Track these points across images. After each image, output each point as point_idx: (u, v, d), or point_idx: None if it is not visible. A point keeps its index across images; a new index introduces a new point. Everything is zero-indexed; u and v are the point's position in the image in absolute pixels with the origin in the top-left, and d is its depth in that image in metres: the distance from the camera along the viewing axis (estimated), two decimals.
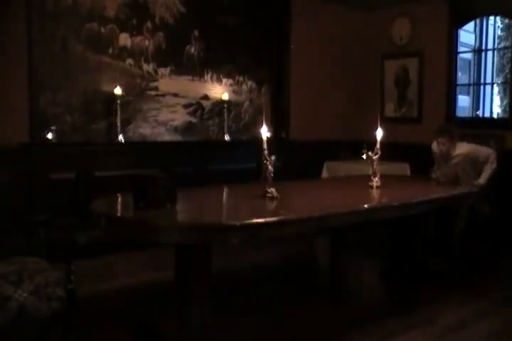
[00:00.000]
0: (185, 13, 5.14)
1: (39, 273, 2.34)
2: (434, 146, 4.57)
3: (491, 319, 3.30)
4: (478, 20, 6.35)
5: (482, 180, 4.39)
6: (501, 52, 7.90)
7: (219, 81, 5.50)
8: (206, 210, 2.80)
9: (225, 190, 3.56)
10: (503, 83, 7.95)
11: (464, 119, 6.34)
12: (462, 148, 4.44)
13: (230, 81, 5.59)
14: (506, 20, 7.74)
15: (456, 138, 4.40)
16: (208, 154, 5.23)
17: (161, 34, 5.02)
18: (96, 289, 3.58)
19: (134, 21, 4.85)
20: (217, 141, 5.47)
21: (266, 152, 2.81)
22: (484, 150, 4.51)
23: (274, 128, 5.67)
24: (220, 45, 5.45)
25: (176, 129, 5.21)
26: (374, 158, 3.36)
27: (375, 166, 3.39)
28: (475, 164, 4.45)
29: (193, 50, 5.28)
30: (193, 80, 5.31)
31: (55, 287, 2.33)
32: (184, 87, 5.24)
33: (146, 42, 4.95)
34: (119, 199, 2.87)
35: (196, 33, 5.27)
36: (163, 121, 5.13)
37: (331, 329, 3.10)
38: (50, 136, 4.36)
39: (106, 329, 2.98)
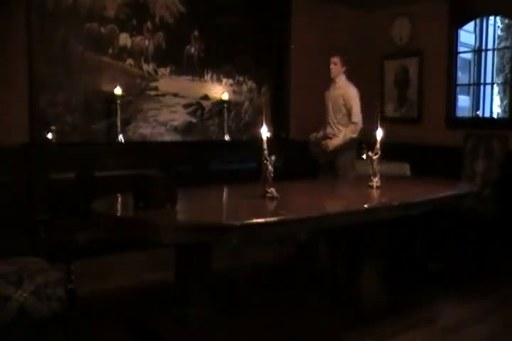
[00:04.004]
0: (185, 13, 5.15)
1: (39, 273, 2.35)
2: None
3: (491, 319, 3.30)
4: (478, 20, 6.34)
5: (336, 140, 4.80)
6: (501, 52, 7.88)
7: (219, 81, 5.50)
8: (206, 210, 2.80)
9: (225, 190, 3.56)
10: (503, 83, 7.94)
11: (465, 119, 6.35)
12: (344, 81, 4.91)
13: (230, 81, 5.59)
14: (506, 20, 7.72)
15: (344, 65, 4.90)
16: (208, 154, 5.23)
17: (161, 34, 5.02)
18: (96, 289, 3.58)
19: (134, 21, 4.85)
20: (217, 141, 5.47)
21: (266, 152, 2.81)
22: (351, 92, 4.82)
23: (274, 128, 5.67)
24: (220, 45, 5.45)
25: (176, 129, 5.21)
26: (374, 158, 3.36)
27: (375, 166, 3.39)
28: (345, 101, 4.82)
29: (193, 50, 5.28)
30: (193, 80, 5.31)
31: (55, 287, 2.34)
32: (184, 87, 5.24)
33: (146, 42, 4.95)
34: (119, 199, 2.88)
35: (196, 33, 5.27)
36: (163, 121, 5.12)
37: (331, 329, 3.10)
38: (50, 136, 4.36)
39: (106, 329, 2.98)
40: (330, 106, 4.95)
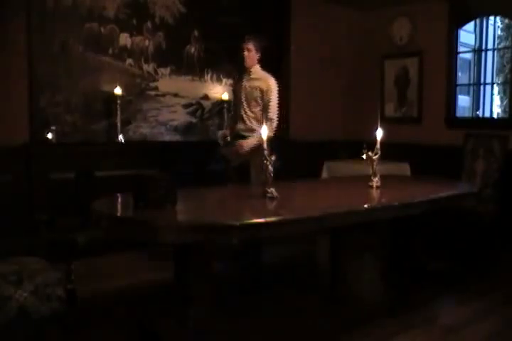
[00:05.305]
0: (185, 13, 5.15)
1: (39, 273, 2.35)
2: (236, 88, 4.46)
3: (491, 319, 3.30)
4: (478, 20, 6.35)
5: (252, 140, 4.15)
6: (501, 52, 7.91)
7: (219, 81, 5.50)
8: (206, 210, 2.80)
9: (225, 190, 3.55)
10: (503, 83, 7.96)
11: (465, 119, 6.35)
12: (260, 71, 4.29)
13: (230, 81, 5.59)
14: (506, 20, 7.75)
15: (259, 51, 4.23)
16: (208, 154, 5.22)
17: (161, 34, 5.02)
18: (96, 289, 3.58)
19: (134, 21, 4.86)
20: (217, 141, 5.46)
21: (266, 152, 2.81)
22: (272, 85, 4.21)
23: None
24: (220, 45, 5.45)
25: (176, 129, 5.21)
26: (374, 158, 3.35)
27: (375, 166, 3.38)
28: (263, 93, 4.20)
29: (193, 50, 5.28)
30: (193, 80, 5.31)
31: (55, 287, 2.34)
32: (184, 87, 5.24)
33: (146, 42, 4.95)
34: (119, 199, 2.87)
35: (196, 33, 5.27)
36: (163, 121, 5.13)
37: (331, 330, 3.10)
38: (50, 136, 4.36)
39: (106, 329, 2.98)
40: (243, 99, 4.29)
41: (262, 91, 4.21)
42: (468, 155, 5.18)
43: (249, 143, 4.15)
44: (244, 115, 4.28)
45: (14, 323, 2.17)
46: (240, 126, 4.30)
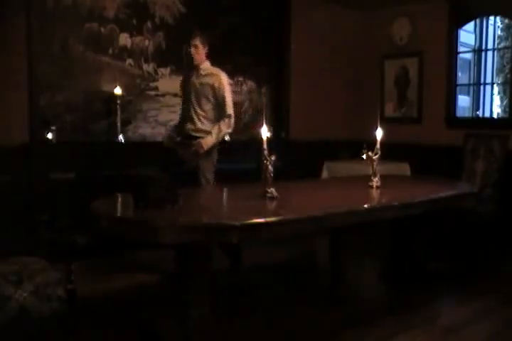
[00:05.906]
0: (185, 13, 5.14)
1: (39, 273, 2.35)
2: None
3: (491, 319, 3.30)
4: (478, 20, 6.35)
5: (210, 139, 4.01)
6: (501, 52, 7.91)
7: None
8: (206, 210, 2.80)
9: (225, 190, 3.55)
10: (503, 83, 7.96)
11: (465, 119, 6.36)
12: (210, 67, 4.15)
13: (230, 81, 5.57)
14: (506, 20, 7.75)
15: (206, 47, 4.08)
16: None
17: (161, 34, 5.02)
18: (96, 289, 3.58)
19: (134, 21, 4.85)
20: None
21: (266, 152, 2.81)
22: (224, 81, 4.09)
23: (274, 128, 5.67)
24: (220, 45, 5.44)
25: None
26: (374, 158, 3.35)
27: (375, 166, 3.39)
28: (215, 90, 4.07)
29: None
30: None
31: (55, 287, 2.34)
32: None
33: (146, 42, 4.95)
34: (119, 199, 2.87)
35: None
36: (163, 121, 5.12)
37: (331, 329, 3.10)
38: (50, 135, 4.36)
39: (106, 329, 2.98)
40: (193, 97, 4.11)
41: (213, 88, 4.05)
42: (468, 155, 5.18)
43: (208, 142, 4.00)
44: (194, 114, 4.11)
45: (14, 323, 2.17)
46: (190, 126, 4.14)
